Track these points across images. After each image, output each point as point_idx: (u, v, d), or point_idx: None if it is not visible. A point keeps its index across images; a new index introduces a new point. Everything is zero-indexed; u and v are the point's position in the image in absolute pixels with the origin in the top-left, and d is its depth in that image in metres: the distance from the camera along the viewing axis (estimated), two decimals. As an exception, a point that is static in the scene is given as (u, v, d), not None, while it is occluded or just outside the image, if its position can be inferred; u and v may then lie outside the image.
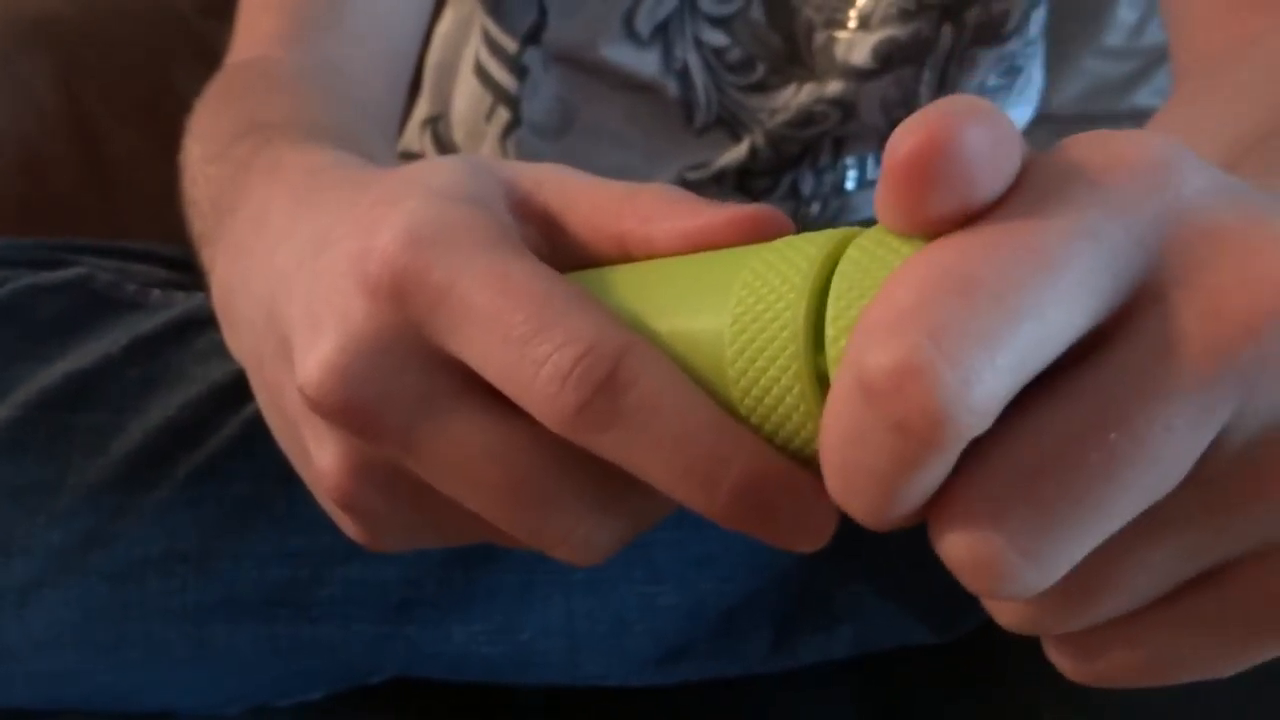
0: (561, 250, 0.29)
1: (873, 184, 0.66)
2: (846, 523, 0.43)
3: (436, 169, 0.28)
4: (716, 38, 0.62)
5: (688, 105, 0.63)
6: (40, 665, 0.39)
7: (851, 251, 0.22)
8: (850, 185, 0.66)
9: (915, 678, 0.44)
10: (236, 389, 0.40)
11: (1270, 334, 0.19)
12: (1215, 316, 0.19)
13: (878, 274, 0.21)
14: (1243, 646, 0.23)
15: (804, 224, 0.64)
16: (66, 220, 0.80)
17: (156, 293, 0.44)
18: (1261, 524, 0.21)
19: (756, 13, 0.61)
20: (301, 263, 0.28)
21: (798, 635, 0.41)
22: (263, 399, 0.31)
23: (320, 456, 0.27)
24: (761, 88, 0.63)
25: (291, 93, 0.50)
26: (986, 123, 0.20)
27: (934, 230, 0.20)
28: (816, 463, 0.23)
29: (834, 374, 0.21)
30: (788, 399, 0.23)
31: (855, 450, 0.20)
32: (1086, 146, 0.21)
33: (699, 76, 0.62)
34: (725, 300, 0.23)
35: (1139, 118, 0.88)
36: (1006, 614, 0.24)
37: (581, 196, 0.28)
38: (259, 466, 0.38)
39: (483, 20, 0.65)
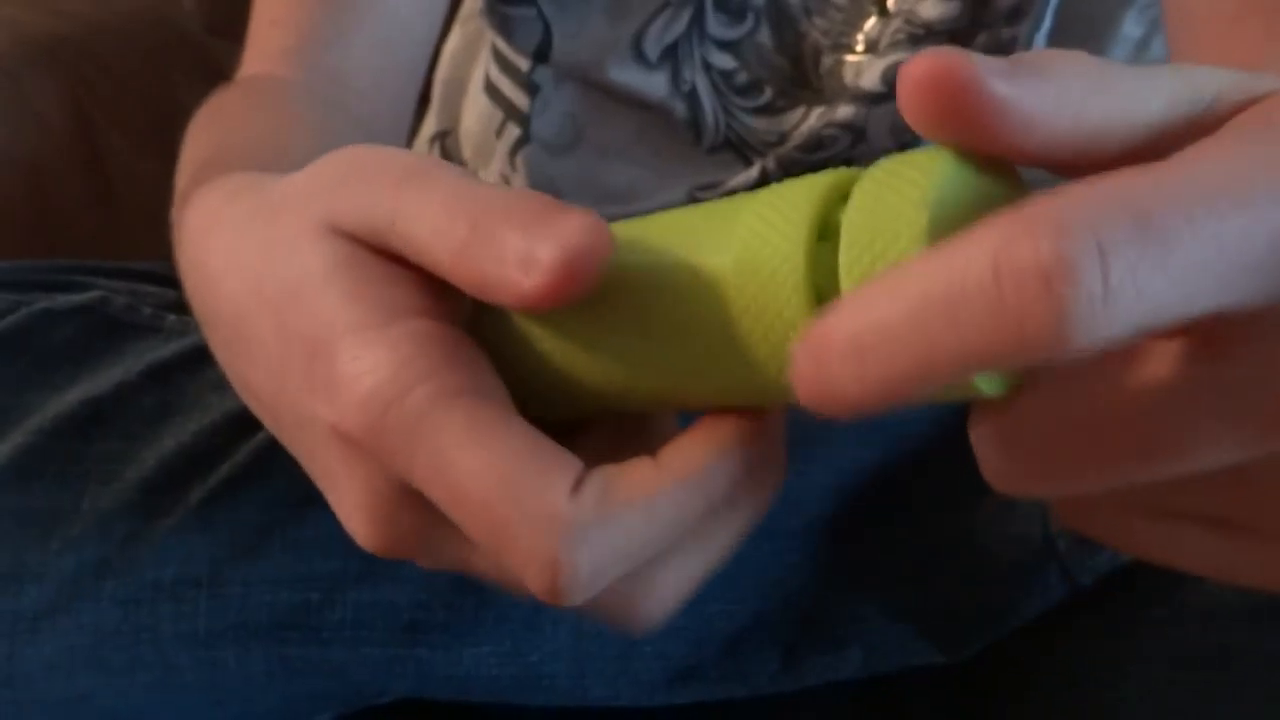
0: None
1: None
2: (856, 545, 0.43)
3: (310, 258, 0.28)
4: (724, 60, 0.62)
5: (696, 126, 0.63)
6: (53, 690, 0.39)
7: (857, 197, 0.22)
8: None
9: (923, 699, 0.44)
10: (250, 417, 0.40)
11: None
12: None
13: (893, 207, 0.21)
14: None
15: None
16: (72, 238, 0.80)
17: (171, 318, 0.44)
18: None
19: (763, 36, 0.61)
20: (261, 400, 0.31)
21: (805, 656, 0.41)
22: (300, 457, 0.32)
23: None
24: (769, 110, 0.63)
25: (272, 114, 0.50)
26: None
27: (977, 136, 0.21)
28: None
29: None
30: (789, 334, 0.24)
31: (934, 323, 0.18)
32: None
33: (707, 99, 0.62)
34: (730, 244, 0.25)
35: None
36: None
37: (425, 247, 0.27)
38: (271, 492, 0.39)
39: (493, 38, 0.65)
